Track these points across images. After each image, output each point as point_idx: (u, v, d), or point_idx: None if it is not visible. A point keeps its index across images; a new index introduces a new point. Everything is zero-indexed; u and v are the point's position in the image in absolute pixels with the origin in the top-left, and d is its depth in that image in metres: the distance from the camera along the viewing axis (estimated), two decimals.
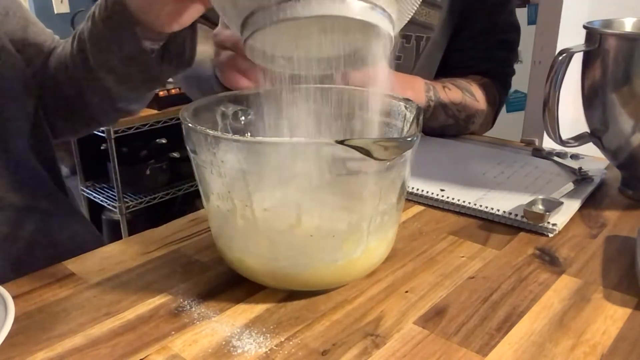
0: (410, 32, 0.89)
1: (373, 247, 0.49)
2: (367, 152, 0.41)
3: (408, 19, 0.48)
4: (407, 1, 0.45)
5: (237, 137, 0.44)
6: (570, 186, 0.67)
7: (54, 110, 0.72)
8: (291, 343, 0.43)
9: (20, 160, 0.67)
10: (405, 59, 0.91)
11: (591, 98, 0.66)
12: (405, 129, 0.52)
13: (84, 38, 0.62)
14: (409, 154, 0.46)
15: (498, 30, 0.93)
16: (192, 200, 2.40)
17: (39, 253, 0.65)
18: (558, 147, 0.72)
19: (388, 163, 0.44)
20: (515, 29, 0.96)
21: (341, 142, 0.40)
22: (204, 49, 0.70)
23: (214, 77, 0.75)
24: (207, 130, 0.44)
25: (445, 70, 0.96)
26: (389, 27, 0.45)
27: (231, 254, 0.50)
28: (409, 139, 0.43)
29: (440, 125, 0.87)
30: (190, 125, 0.46)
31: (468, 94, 0.88)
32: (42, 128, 0.70)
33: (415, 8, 0.47)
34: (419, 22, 0.88)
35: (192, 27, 0.60)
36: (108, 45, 0.59)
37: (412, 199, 0.68)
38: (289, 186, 0.45)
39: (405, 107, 0.53)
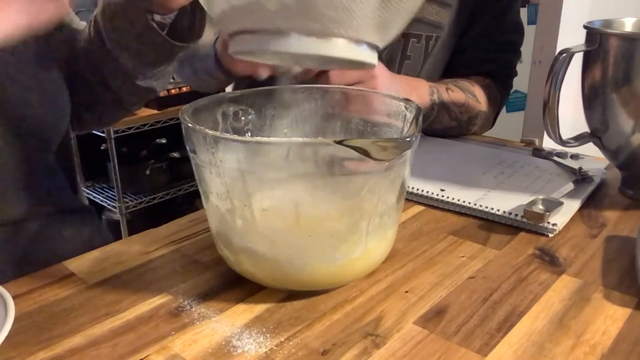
0: (421, 32, 0.89)
1: (372, 248, 0.49)
2: (365, 153, 0.41)
3: (397, 33, 0.49)
4: (392, 25, 0.47)
5: (235, 136, 0.44)
6: (570, 186, 0.67)
7: (79, 100, 0.73)
8: (291, 343, 0.43)
9: (35, 157, 0.67)
10: (414, 59, 0.91)
11: (591, 98, 0.66)
12: (406, 129, 0.52)
13: (99, 19, 0.64)
14: (408, 154, 0.46)
15: (503, 31, 0.93)
16: (192, 200, 2.40)
17: (41, 252, 0.65)
18: (558, 147, 0.72)
19: (387, 163, 0.44)
20: (520, 29, 0.95)
21: (339, 142, 0.40)
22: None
23: (213, 56, 0.76)
24: (206, 130, 0.44)
25: (448, 70, 0.96)
26: (373, 58, 0.47)
27: (231, 253, 0.50)
28: (408, 139, 0.43)
29: (443, 127, 0.87)
30: (189, 125, 0.46)
31: (470, 95, 0.88)
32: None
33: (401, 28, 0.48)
34: (429, 21, 0.88)
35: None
36: (120, 23, 0.61)
37: (412, 198, 0.68)
38: (287, 186, 0.45)
39: (405, 108, 0.53)
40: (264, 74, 0.65)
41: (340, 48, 0.43)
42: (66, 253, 0.57)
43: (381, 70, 0.69)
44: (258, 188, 0.45)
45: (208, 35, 0.78)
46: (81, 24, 0.73)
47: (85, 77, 0.70)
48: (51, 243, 0.66)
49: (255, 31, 0.43)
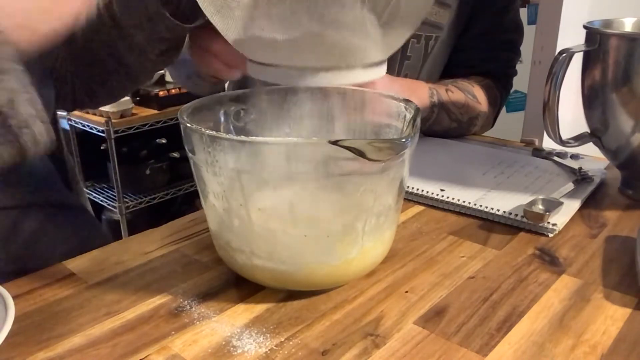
0: (420, 32, 0.89)
1: (369, 248, 0.48)
2: (360, 153, 0.41)
3: (402, 44, 0.51)
4: (396, 44, 0.51)
5: (230, 136, 0.44)
6: (570, 186, 0.67)
7: (90, 78, 0.72)
8: (291, 343, 0.43)
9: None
10: (414, 59, 0.91)
11: (591, 98, 0.66)
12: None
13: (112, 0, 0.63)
14: (406, 154, 0.46)
15: (502, 30, 0.93)
16: (192, 200, 2.40)
17: (40, 251, 0.65)
18: (558, 147, 0.72)
19: (383, 164, 0.44)
20: (519, 28, 0.95)
21: (334, 143, 0.40)
22: None
23: (190, 60, 0.75)
24: (202, 129, 0.44)
25: (448, 70, 0.96)
26: (381, 72, 0.50)
27: (229, 253, 0.50)
28: (403, 140, 0.43)
29: (443, 129, 0.87)
30: (187, 124, 0.46)
31: (470, 96, 0.88)
32: (54, 113, 0.71)
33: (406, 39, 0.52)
34: (428, 21, 0.88)
35: None
36: (134, 3, 0.61)
37: (412, 199, 0.68)
38: (283, 186, 0.45)
39: (405, 108, 0.53)
40: (235, 75, 0.65)
41: (349, 77, 0.47)
42: (59, 254, 0.57)
43: None
44: (253, 188, 0.45)
45: None
46: None
47: (94, 55, 0.69)
48: (46, 242, 0.66)
49: (270, 65, 0.48)
